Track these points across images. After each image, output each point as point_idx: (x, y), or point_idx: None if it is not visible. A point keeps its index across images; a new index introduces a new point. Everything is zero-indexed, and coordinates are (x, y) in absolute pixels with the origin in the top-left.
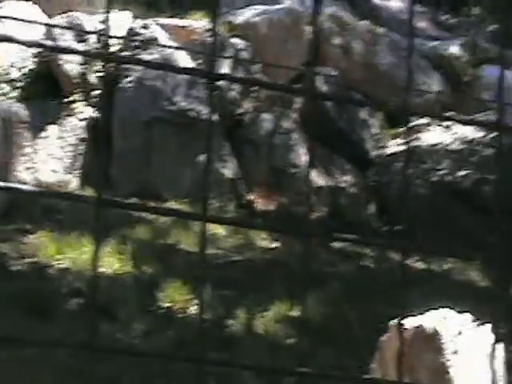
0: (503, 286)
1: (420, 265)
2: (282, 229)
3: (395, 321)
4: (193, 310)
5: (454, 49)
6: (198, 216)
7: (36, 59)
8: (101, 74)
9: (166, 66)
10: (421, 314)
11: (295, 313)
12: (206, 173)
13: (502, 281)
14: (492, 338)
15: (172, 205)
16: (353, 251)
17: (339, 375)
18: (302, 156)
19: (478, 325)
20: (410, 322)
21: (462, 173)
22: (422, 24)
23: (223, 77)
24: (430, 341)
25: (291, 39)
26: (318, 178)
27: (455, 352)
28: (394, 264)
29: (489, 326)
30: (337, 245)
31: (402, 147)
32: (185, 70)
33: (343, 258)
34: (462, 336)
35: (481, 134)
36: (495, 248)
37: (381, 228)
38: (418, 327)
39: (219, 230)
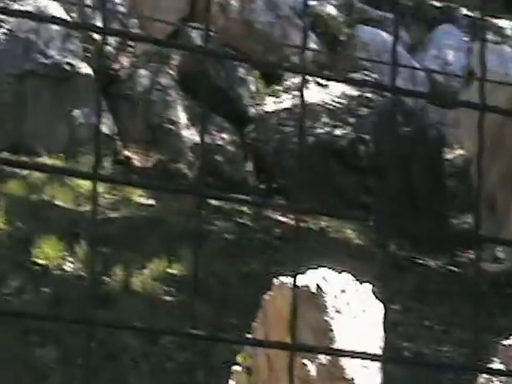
0: (381, 245)
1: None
2: (165, 187)
3: (278, 279)
4: (68, 266)
5: (330, 9)
6: (88, 175)
7: None
8: None
9: (40, 16)
10: (301, 273)
11: (173, 270)
12: (97, 133)
13: (380, 240)
14: (372, 296)
15: (46, 160)
16: (231, 208)
17: (217, 336)
18: (179, 113)
19: (358, 284)
20: (291, 281)
21: (339, 132)
22: None
23: (99, 29)
24: (313, 299)
25: None
26: (195, 136)
27: (337, 311)
28: (272, 221)
29: (368, 285)
30: (214, 202)
31: (280, 105)
32: (59, 22)
33: (221, 215)
34: (343, 295)
35: (357, 93)
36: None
37: (258, 186)
38: (300, 286)
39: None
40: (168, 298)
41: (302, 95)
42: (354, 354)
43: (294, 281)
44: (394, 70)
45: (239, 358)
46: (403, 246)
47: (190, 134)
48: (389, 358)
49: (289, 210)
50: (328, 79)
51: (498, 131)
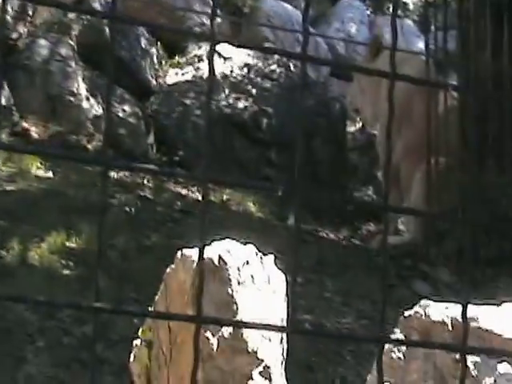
0: (282, 217)
1: (198, 196)
2: (70, 157)
3: (181, 252)
4: None
5: None
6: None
7: None
8: None
9: None
10: (204, 245)
11: (72, 244)
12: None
13: (280, 212)
14: (275, 268)
15: None
16: (131, 181)
17: (116, 308)
18: (79, 84)
19: (261, 256)
20: (195, 253)
21: (241, 104)
22: None
23: None
24: (216, 272)
25: None
26: (95, 107)
27: (241, 283)
28: (173, 194)
29: (271, 257)
30: (115, 174)
31: (182, 77)
32: None
33: (121, 188)
34: (246, 267)
35: (260, 65)
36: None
37: (160, 158)
38: (203, 257)
39: None
40: (66, 272)
41: (211, 64)
42: (258, 326)
43: (201, 254)
44: (306, 39)
45: (140, 332)
46: (305, 218)
47: (90, 106)
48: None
49: (196, 179)
50: (239, 46)
51: (405, 103)
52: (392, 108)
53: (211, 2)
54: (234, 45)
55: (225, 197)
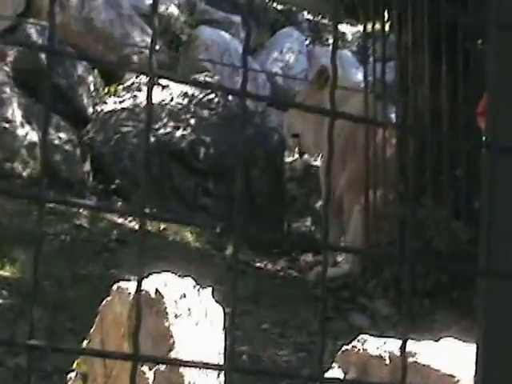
0: (219, 247)
1: (135, 225)
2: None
3: (118, 284)
4: None
5: (172, 8)
6: None
7: None
8: None
9: None
10: (142, 278)
11: (6, 273)
12: None
13: (218, 243)
14: (213, 301)
15: None
16: (66, 210)
17: (54, 344)
18: (14, 110)
19: (199, 289)
20: (131, 286)
21: (179, 133)
22: None
23: None
24: (153, 305)
25: None
26: (31, 134)
27: (178, 316)
28: (109, 223)
29: (209, 290)
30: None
31: (119, 105)
32: None
33: (57, 216)
34: (184, 300)
35: (198, 94)
36: (209, 210)
37: (96, 186)
38: (140, 291)
39: None
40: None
41: (149, 99)
42: (196, 365)
43: (138, 287)
44: (245, 76)
45: (75, 364)
46: (243, 249)
47: (26, 133)
48: (231, 368)
49: (134, 214)
50: (178, 82)
51: (350, 135)
52: (331, 146)
53: (149, 31)
54: (173, 80)
55: (162, 226)
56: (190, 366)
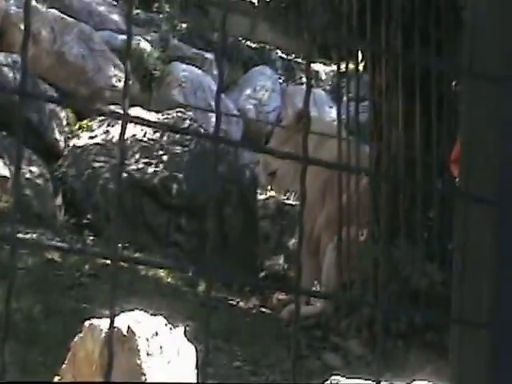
0: (191, 284)
1: (106, 259)
2: None
3: (88, 321)
4: None
5: (145, 44)
6: None
7: None
8: None
9: None
10: (114, 315)
11: None
12: None
13: (190, 279)
14: (185, 340)
15: None
16: (38, 243)
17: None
18: None
19: (170, 327)
20: (104, 323)
21: (151, 169)
22: (113, 17)
23: None
24: (125, 342)
25: None
26: (2, 169)
27: (150, 354)
28: (81, 258)
29: (181, 329)
30: (22, 236)
31: (91, 140)
32: None
33: (28, 249)
34: (156, 338)
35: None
36: (181, 246)
37: (68, 221)
38: (113, 328)
39: None
40: None
41: (121, 140)
42: None
43: (111, 324)
44: (219, 120)
45: None
46: (215, 286)
47: None
48: None
49: (108, 258)
50: (152, 127)
51: (329, 177)
52: (304, 191)
53: (122, 66)
54: (146, 125)
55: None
56: None
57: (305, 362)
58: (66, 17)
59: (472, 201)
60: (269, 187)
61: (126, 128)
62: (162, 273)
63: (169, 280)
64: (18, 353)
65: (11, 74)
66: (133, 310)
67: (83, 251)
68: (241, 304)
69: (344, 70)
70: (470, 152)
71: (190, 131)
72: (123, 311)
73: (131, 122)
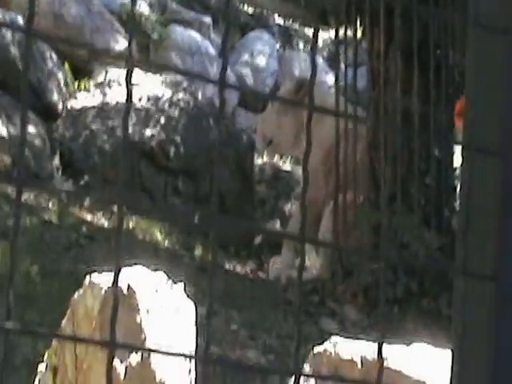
0: (188, 247)
1: (104, 222)
2: None
3: (88, 277)
4: None
5: (143, 7)
6: None
7: None
8: None
9: None
10: (117, 271)
11: None
12: None
13: (187, 242)
14: (185, 297)
15: None
16: (36, 205)
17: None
18: None
19: (171, 284)
20: (104, 279)
21: (148, 132)
22: None
23: None
24: (124, 300)
25: None
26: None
27: (150, 311)
28: (78, 220)
29: (181, 285)
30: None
31: (90, 101)
32: None
33: (26, 211)
34: (156, 295)
35: (168, 93)
36: (178, 209)
37: (65, 182)
38: (111, 285)
39: None
40: None
41: (128, 90)
42: (173, 354)
43: (115, 279)
44: (224, 66)
45: (45, 357)
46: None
47: None
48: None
49: (113, 203)
50: (158, 72)
51: (332, 144)
52: (309, 140)
53: (120, 29)
54: (152, 71)
55: (131, 224)
56: (164, 354)
57: (302, 327)
58: None
59: (476, 151)
60: (265, 153)
61: (131, 76)
62: (158, 237)
63: (166, 244)
64: (15, 313)
65: (9, 34)
66: (132, 266)
67: (87, 197)
68: (237, 269)
69: (342, 36)
70: (474, 103)
71: (197, 75)
72: (123, 267)
73: (138, 67)
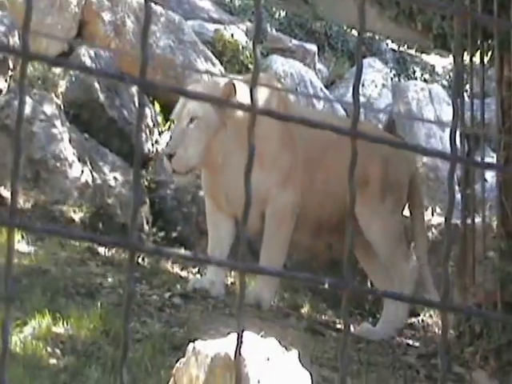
0: (294, 305)
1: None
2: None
3: (192, 344)
4: None
5: (240, 34)
6: None
7: None
8: None
9: None
10: (220, 335)
11: (58, 329)
12: None
13: (293, 300)
14: (298, 365)
15: None
16: (122, 259)
17: None
18: (65, 147)
19: (283, 351)
20: (209, 347)
21: None
22: (203, 4)
23: None
24: (233, 368)
25: (54, 11)
26: (84, 174)
27: (260, 381)
28: (172, 277)
29: (295, 353)
30: (106, 251)
31: None
32: None
33: (113, 267)
34: (267, 363)
35: None
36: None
37: (156, 233)
38: (218, 353)
39: None
40: (53, 361)
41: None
42: None
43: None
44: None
45: None
46: (321, 308)
47: (78, 172)
48: None
49: (234, 268)
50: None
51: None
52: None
53: (214, 59)
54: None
55: (229, 280)
56: None
57: None
58: (152, 5)
59: None
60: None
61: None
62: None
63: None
64: (103, 382)
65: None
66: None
67: (208, 261)
68: (351, 329)
69: (467, 62)
70: None
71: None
72: (230, 332)
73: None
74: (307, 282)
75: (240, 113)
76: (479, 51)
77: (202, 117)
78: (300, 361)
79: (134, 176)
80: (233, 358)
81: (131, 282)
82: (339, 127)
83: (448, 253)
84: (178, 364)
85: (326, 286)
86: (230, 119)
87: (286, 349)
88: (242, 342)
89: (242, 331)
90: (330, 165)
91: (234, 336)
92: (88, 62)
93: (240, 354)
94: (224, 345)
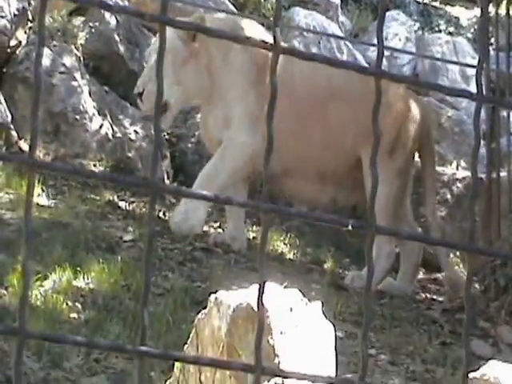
0: (316, 260)
1: (220, 232)
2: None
3: (214, 295)
4: None
5: None
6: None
7: None
8: None
9: None
10: (242, 288)
11: (79, 283)
12: None
13: (316, 255)
14: (321, 317)
15: None
16: (143, 213)
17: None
18: (85, 100)
19: (306, 302)
20: (231, 298)
21: None
22: None
23: None
24: (255, 319)
25: None
26: (104, 127)
27: (283, 332)
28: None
29: (318, 304)
30: (127, 205)
31: None
32: None
33: (135, 221)
34: (291, 314)
35: None
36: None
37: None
38: (241, 304)
39: None
40: (73, 315)
41: (273, 77)
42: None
43: (260, 295)
44: (381, 51)
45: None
46: (344, 263)
47: (98, 125)
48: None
49: (256, 208)
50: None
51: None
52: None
53: (234, 10)
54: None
55: (251, 235)
56: (311, 380)
57: (449, 349)
58: None
59: None
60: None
61: (277, 60)
62: (283, 248)
63: (290, 256)
64: (127, 336)
65: (113, 21)
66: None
67: (230, 201)
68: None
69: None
70: None
71: (352, 64)
72: (253, 283)
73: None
74: (331, 223)
75: (210, 45)
76: (505, 2)
77: (169, 50)
78: (323, 312)
79: (155, 117)
80: (255, 308)
81: (152, 222)
82: (364, 66)
83: (474, 196)
84: (199, 315)
85: (350, 227)
86: (199, 52)
87: (309, 301)
88: (264, 292)
89: (264, 280)
90: (332, 117)
91: (256, 286)
92: (107, 15)
93: (262, 304)
94: (246, 295)
